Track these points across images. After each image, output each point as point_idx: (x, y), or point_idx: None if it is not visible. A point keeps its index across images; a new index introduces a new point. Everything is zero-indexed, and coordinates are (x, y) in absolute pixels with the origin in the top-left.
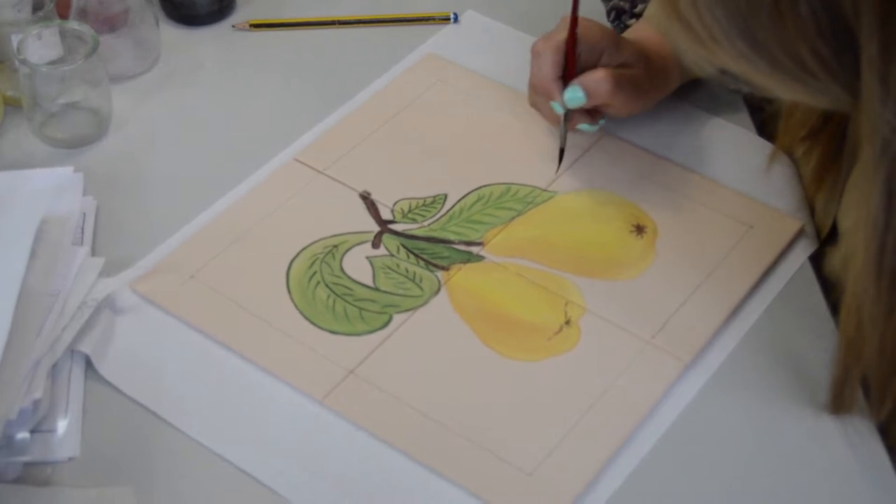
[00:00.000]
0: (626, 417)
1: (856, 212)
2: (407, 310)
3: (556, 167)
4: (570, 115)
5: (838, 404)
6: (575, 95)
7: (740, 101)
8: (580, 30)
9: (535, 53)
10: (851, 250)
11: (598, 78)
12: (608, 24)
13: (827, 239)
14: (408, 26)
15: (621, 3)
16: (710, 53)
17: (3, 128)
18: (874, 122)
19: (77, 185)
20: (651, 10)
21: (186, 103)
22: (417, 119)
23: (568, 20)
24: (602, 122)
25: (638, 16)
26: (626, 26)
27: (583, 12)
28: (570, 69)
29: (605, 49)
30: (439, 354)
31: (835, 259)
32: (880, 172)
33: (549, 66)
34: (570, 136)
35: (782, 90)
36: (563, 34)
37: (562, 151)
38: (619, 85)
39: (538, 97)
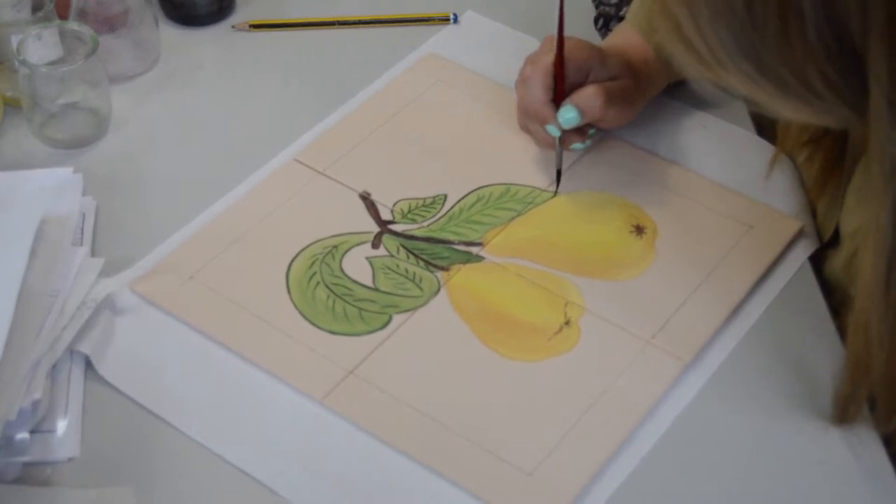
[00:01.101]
0: (626, 417)
1: (864, 229)
2: (407, 310)
3: (555, 180)
4: (563, 136)
5: (843, 418)
6: (569, 115)
7: (740, 101)
8: (567, 50)
9: (524, 78)
10: (858, 266)
11: (589, 94)
12: (596, 31)
13: (829, 242)
14: (408, 26)
15: (608, 10)
16: (715, 75)
17: (3, 128)
18: (882, 144)
19: (76, 185)
20: (633, 9)
21: (186, 104)
22: (417, 119)
23: (551, 41)
24: (592, 132)
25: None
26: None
27: (568, 21)
28: (559, 91)
29: (592, 66)
30: (439, 355)
31: (836, 262)
32: (889, 192)
33: (540, 90)
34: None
35: (788, 111)
36: (550, 56)
37: (559, 173)
38: (611, 99)
39: (529, 121)
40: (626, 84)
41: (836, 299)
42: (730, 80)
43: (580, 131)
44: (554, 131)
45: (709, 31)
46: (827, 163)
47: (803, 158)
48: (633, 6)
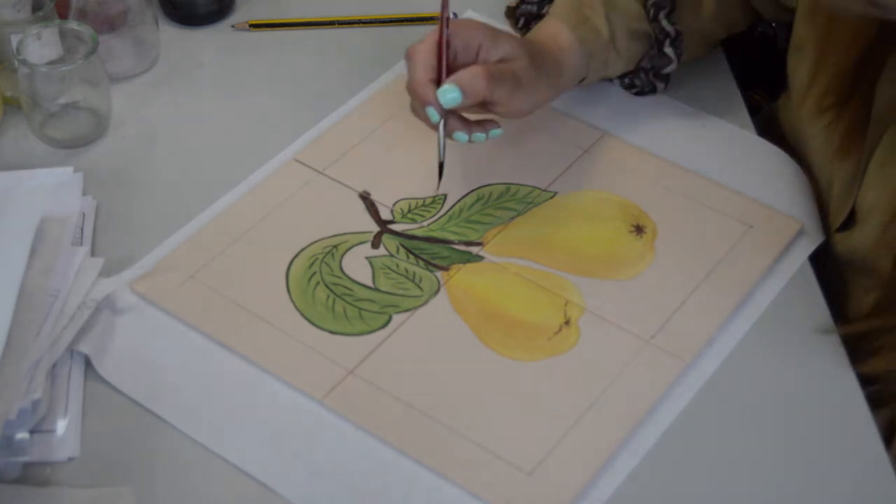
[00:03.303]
0: (626, 417)
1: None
2: (406, 310)
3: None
4: (447, 122)
5: None
6: (450, 95)
7: (740, 101)
8: (454, 28)
9: (408, 57)
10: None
11: (471, 73)
12: (515, 30)
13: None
14: (408, 26)
15: (529, 8)
16: None
17: (3, 128)
18: None
19: (76, 184)
20: (558, 4)
21: (186, 103)
22: (418, 119)
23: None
24: (494, 132)
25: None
26: None
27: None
28: (440, 70)
29: (481, 45)
30: (439, 354)
31: (860, 237)
32: None
33: (422, 69)
34: (569, 136)
35: None
36: (436, 35)
37: (441, 166)
38: (496, 79)
39: (415, 103)
40: (519, 66)
41: (837, 298)
42: None
43: (479, 122)
44: (434, 115)
45: None
46: (850, 130)
47: (826, 123)
48: (558, 2)
